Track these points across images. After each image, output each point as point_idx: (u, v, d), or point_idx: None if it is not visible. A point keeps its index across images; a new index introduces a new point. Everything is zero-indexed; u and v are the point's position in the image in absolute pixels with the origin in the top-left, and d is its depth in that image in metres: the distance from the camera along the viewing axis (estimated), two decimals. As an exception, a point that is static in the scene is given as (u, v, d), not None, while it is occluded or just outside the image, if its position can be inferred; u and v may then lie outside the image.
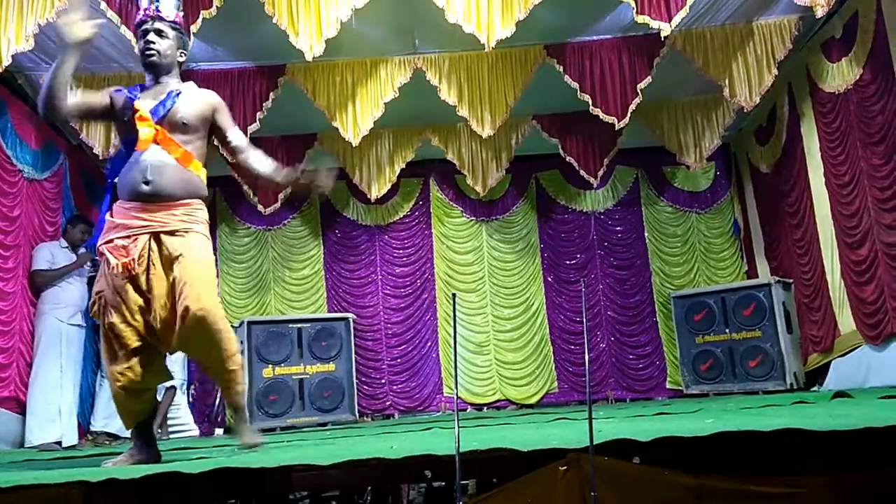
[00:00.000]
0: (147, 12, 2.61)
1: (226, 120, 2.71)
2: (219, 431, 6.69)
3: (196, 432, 6.34)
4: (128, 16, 4.49)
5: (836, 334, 5.41)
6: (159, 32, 2.60)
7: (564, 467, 1.66)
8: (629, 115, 5.31)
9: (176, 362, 5.82)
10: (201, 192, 2.60)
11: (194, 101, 2.62)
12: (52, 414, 4.96)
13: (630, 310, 7.11)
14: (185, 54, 2.70)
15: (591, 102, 5.33)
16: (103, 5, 4.38)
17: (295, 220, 7.18)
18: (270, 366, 6.03)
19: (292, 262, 7.12)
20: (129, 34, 4.49)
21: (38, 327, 5.11)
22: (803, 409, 3.00)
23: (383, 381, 6.93)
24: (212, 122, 2.66)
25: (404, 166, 6.52)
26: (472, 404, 6.83)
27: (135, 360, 2.44)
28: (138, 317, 2.42)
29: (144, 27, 2.60)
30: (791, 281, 6.13)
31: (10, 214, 4.97)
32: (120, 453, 3.41)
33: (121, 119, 2.56)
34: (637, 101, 5.29)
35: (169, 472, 1.76)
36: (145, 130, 2.50)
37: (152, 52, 2.58)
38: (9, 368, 4.83)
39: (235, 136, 2.73)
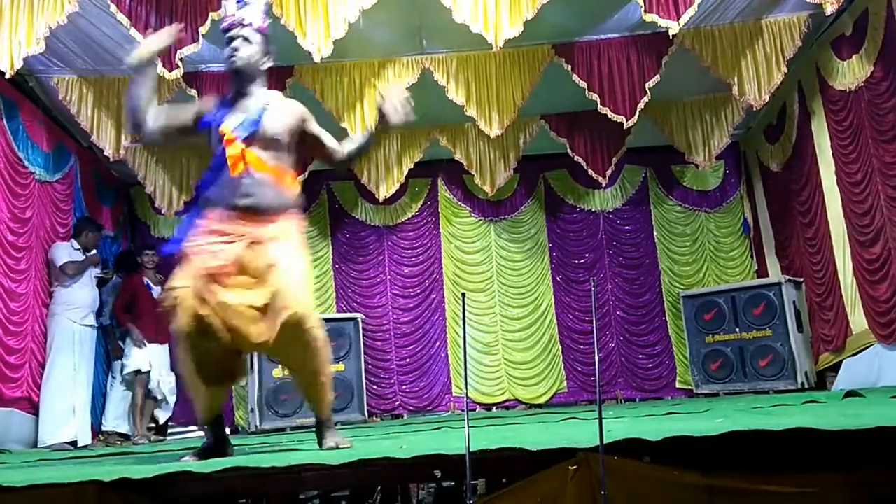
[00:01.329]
0: (233, 19, 2.60)
1: (316, 127, 2.69)
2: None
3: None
4: (137, 18, 4.52)
5: (847, 333, 5.37)
6: (245, 39, 2.58)
7: (574, 467, 1.66)
8: (637, 113, 5.29)
9: (164, 365, 5.85)
10: (295, 204, 2.60)
11: (282, 114, 2.58)
12: (65, 414, 5.01)
13: (639, 309, 7.09)
14: (269, 62, 2.68)
15: (599, 101, 5.32)
16: (112, 8, 4.41)
17: (303, 221, 7.19)
18: (280, 366, 6.04)
19: (301, 262, 7.13)
20: (139, 37, 4.52)
21: (51, 328, 5.16)
22: (814, 409, 2.99)
23: (392, 381, 6.94)
24: (301, 133, 2.63)
25: (412, 166, 6.52)
26: (481, 404, 6.83)
27: (218, 357, 2.39)
28: (222, 315, 2.36)
29: (231, 34, 2.59)
30: (802, 280, 6.09)
31: (22, 216, 5.01)
32: (130, 453, 3.44)
33: (213, 133, 2.56)
34: (645, 99, 5.28)
35: (181, 471, 1.77)
36: (232, 152, 2.47)
37: (238, 58, 2.56)
38: (21, 369, 4.87)
39: (330, 141, 2.71)
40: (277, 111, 2.58)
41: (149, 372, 5.67)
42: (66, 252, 5.29)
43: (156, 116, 2.55)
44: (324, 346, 2.45)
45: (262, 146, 2.50)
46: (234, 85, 2.62)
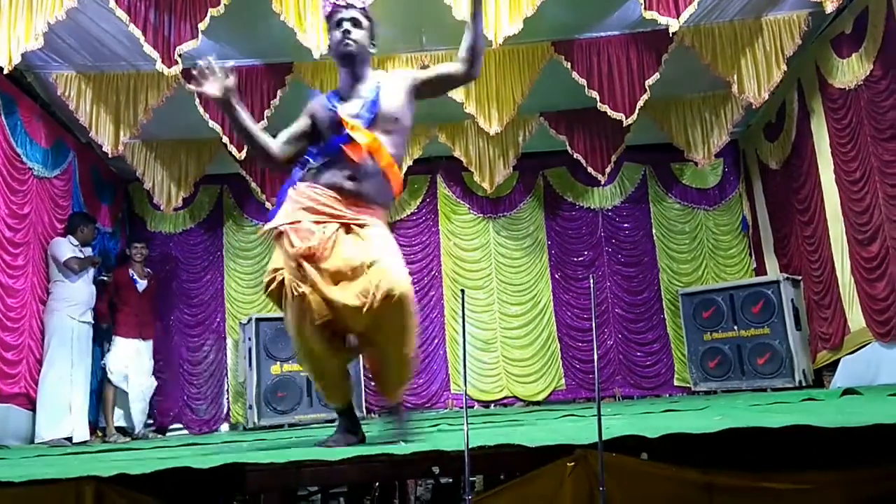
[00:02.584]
0: (339, 2, 2.52)
1: (429, 72, 2.64)
2: (224, 427, 6.72)
3: None
4: (136, 14, 4.51)
5: (845, 331, 5.38)
6: (355, 22, 2.51)
7: (572, 463, 1.66)
8: (637, 111, 5.29)
9: (141, 362, 5.85)
10: (391, 203, 2.56)
11: (395, 89, 2.53)
12: (62, 410, 5.01)
13: (638, 307, 7.09)
14: (375, 45, 2.61)
15: (598, 99, 5.31)
16: (111, 3, 4.40)
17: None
18: (278, 363, 6.05)
19: (300, 259, 7.13)
20: (137, 32, 4.52)
21: (50, 324, 5.16)
22: (812, 407, 2.99)
23: (391, 378, 6.93)
24: (418, 88, 2.58)
25: (411, 163, 6.51)
26: (479, 401, 6.84)
27: (324, 334, 2.34)
28: (321, 294, 2.31)
29: (339, 17, 2.50)
30: (800, 278, 6.10)
31: (20, 212, 5.01)
32: (129, 449, 3.44)
33: (328, 128, 2.49)
34: (645, 97, 5.27)
35: (179, 466, 1.77)
36: (360, 139, 2.41)
37: (350, 42, 2.48)
38: (19, 365, 4.87)
39: (447, 67, 2.62)
40: (391, 88, 2.52)
41: (116, 370, 5.66)
42: (67, 248, 5.29)
43: (279, 145, 2.51)
44: (415, 330, 2.42)
45: (384, 129, 2.45)
46: (344, 73, 2.55)
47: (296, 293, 2.29)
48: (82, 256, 5.35)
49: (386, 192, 2.50)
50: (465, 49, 2.55)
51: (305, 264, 2.30)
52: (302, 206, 2.39)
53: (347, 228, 2.39)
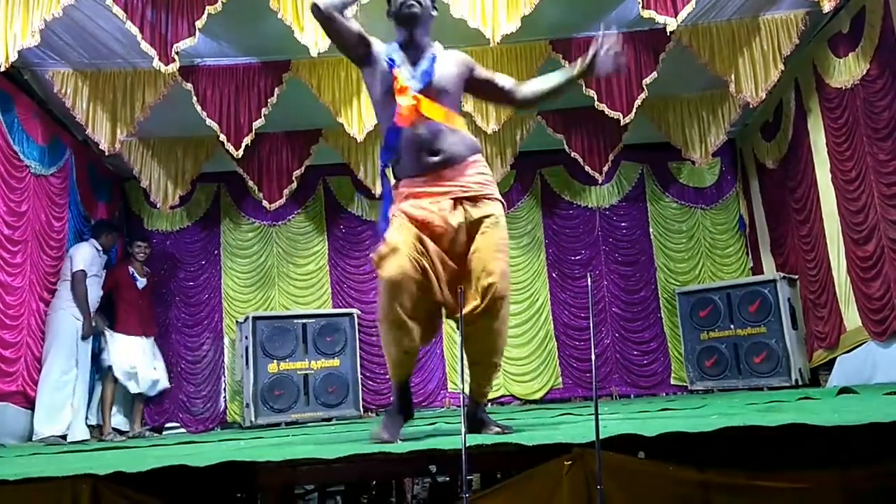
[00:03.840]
0: None
1: (485, 71, 2.66)
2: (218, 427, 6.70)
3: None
4: (133, 11, 4.50)
5: (841, 330, 5.40)
6: None
7: (569, 462, 1.67)
8: (635, 110, 5.29)
9: (147, 359, 5.85)
10: (478, 145, 2.56)
11: (450, 64, 2.54)
12: (61, 408, 5.02)
13: (635, 306, 7.10)
14: (437, 9, 2.62)
15: (596, 98, 5.31)
16: (108, 0, 4.39)
17: (299, 216, 7.18)
18: (275, 361, 6.04)
19: (297, 257, 7.13)
20: (134, 30, 4.50)
21: (53, 322, 5.18)
22: (808, 405, 3.00)
23: (387, 376, 6.88)
24: (470, 80, 2.59)
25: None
26: (476, 400, 6.83)
27: (418, 313, 2.36)
28: (430, 273, 2.33)
29: None
30: (797, 277, 6.12)
31: (18, 210, 5.00)
32: (126, 448, 3.43)
33: (379, 80, 2.50)
34: (643, 96, 5.27)
35: (176, 465, 1.77)
36: (405, 102, 2.41)
37: (415, 3, 2.48)
38: (17, 363, 4.86)
39: (504, 80, 2.66)
40: (446, 61, 2.54)
41: (122, 367, 5.68)
42: (84, 257, 5.35)
43: (346, 19, 2.54)
44: (507, 329, 2.46)
45: (436, 96, 2.45)
46: (403, 35, 2.55)
47: (404, 267, 2.27)
48: (88, 271, 5.38)
49: (465, 139, 2.49)
50: (537, 89, 2.63)
51: (426, 239, 2.31)
52: (411, 195, 2.42)
53: (460, 203, 2.39)
